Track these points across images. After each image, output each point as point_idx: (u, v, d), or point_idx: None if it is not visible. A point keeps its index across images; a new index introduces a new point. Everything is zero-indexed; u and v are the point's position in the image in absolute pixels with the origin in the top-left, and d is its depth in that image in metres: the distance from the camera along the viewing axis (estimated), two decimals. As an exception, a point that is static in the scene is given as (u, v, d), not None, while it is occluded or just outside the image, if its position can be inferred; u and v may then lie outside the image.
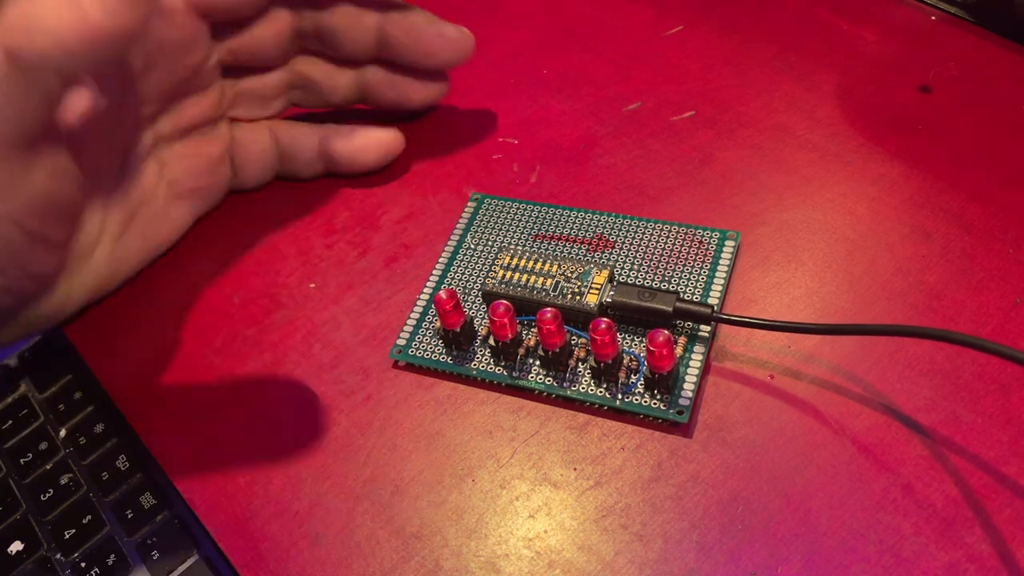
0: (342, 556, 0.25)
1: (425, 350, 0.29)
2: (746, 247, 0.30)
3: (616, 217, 0.31)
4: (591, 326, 0.25)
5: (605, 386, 0.27)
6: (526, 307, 0.28)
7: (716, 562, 0.23)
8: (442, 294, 0.27)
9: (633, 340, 0.28)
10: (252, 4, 0.30)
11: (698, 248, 0.30)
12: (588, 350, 0.27)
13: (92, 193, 0.29)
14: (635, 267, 0.30)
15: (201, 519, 0.27)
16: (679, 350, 0.27)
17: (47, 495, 0.29)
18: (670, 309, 0.27)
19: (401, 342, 0.29)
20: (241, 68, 0.33)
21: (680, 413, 0.26)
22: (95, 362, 0.31)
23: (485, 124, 0.36)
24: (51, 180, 0.25)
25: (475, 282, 0.30)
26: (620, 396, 0.26)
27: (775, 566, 0.23)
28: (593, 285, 0.28)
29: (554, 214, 0.32)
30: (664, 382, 0.26)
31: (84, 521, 0.28)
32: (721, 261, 0.29)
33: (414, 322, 0.30)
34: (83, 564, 0.27)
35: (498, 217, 0.32)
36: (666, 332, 0.25)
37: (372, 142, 0.34)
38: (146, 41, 0.28)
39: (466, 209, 0.33)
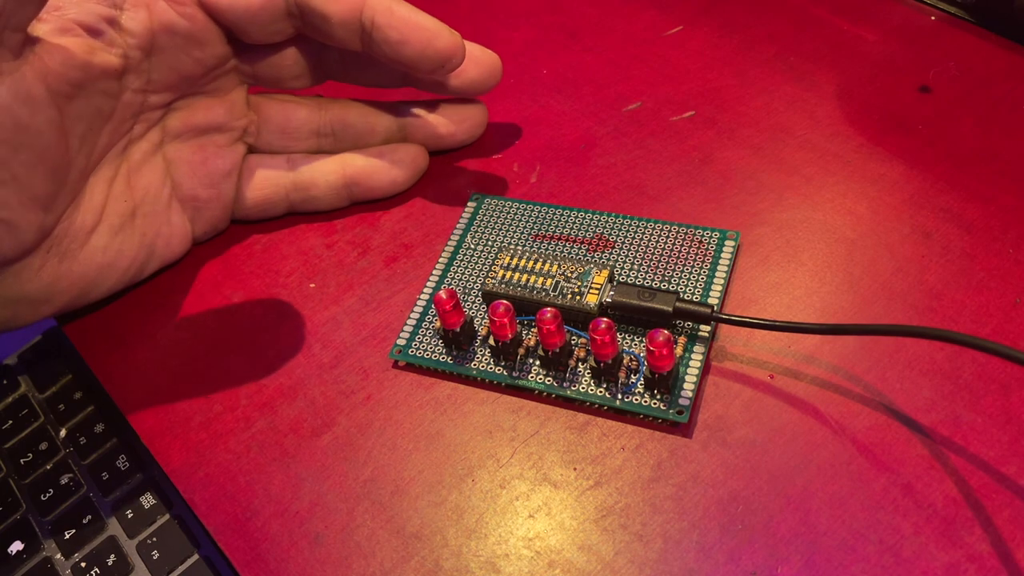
0: (342, 556, 0.25)
1: (425, 350, 0.29)
2: (746, 247, 0.30)
3: (616, 217, 0.31)
4: (591, 326, 0.25)
5: (605, 386, 0.27)
6: (526, 307, 0.28)
7: (716, 562, 0.23)
8: (442, 294, 0.27)
9: (633, 340, 0.28)
10: (259, 24, 0.30)
11: (698, 248, 0.30)
12: (588, 350, 0.27)
13: (89, 169, 0.29)
14: (635, 267, 0.30)
15: (201, 519, 0.27)
16: (679, 350, 0.27)
17: (47, 495, 0.29)
18: (670, 309, 0.27)
19: (401, 342, 0.29)
20: (266, 83, 0.32)
21: (680, 413, 0.26)
22: (95, 362, 0.31)
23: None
24: (16, 102, 0.25)
25: (475, 282, 0.30)
26: (620, 396, 0.26)
27: (775, 566, 0.23)
28: (593, 285, 0.28)
29: (554, 214, 0.32)
30: (664, 382, 0.26)
31: (84, 521, 0.28)
32: (721, 261, 0.29)
33: (414, 322, 0.30)
34: (83, 564, 0.27)
35: (498, 217, 0.32)
36: (666, 332, 0.25)
37: (401, 159, 0.33)
38: (151, 17, 0.28)
39: (466, 209, 0.33)
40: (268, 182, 0.33)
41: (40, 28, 0.27)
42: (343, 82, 0.33)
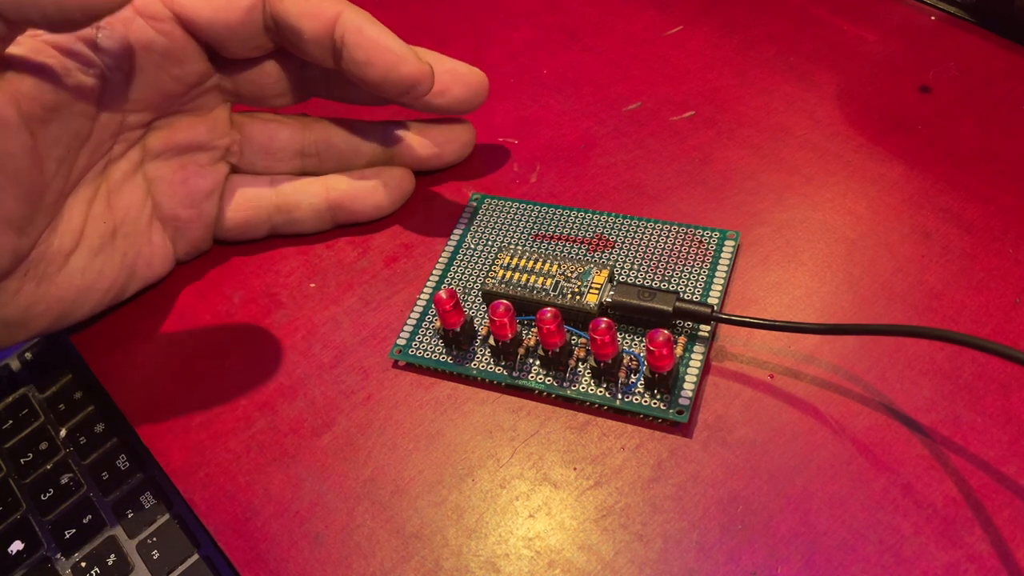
0: (342, 556, 0.25)
1: (425, 350, 0.29)
2: (746, 247, 0.30)
3: (616, 217, 0.31)
4: (591, 326, 0.25)
5: (605, 386, 0.27)
6: (526, 307, 0.28)
7: (716, 562, 0.23)
8: (442, 294, 0.27)
9: (633, 340, 0.28)
10: (239, 39, 0.29)
11: (698, 248, 0.30)
12: (588, 350, 0.27)
13: (67, 190, 0.28)
14: (635, 267, 0.30)
15: (201, 519, 0.27)
16: (679, 350, 0.27)
17: (47, 495, 0.29)
18: (670, 309, 0.27)
19: (401, 342, 0.29)
20: (248, 101, 0.32)
21: (680, 413, 0.26)
22: (95, 362, 0.31)
23: (485, 124, 0.36)
24: None
25: (475, 282, 0.30)
26: (620, 396, 0.26)
27: (775, 566, 0.23)
28: (593, 285, 0.28)
29: (554, 214, 0.32)
30: (664, 382, 0.26)
31: (84, 521, 0.28)
32: (721, 261, 0.29)
33: (414, 322, 0.30)
34: (83, 564, 0.27)
35: (498, 217, 0.32)
36: (666, 332, 0.25)
37: (386, 183, 0.33)
38: (128, 35, 0.28)
39: (466, 209, 0.33)
40: (250, 204, 0.32)
41: (14, 51, 0.26)
42: (327, 99, 0.33)
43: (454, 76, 0.31)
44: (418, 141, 0.33)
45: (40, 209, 0.27)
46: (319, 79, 0.32)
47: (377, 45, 0.28)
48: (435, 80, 0.30)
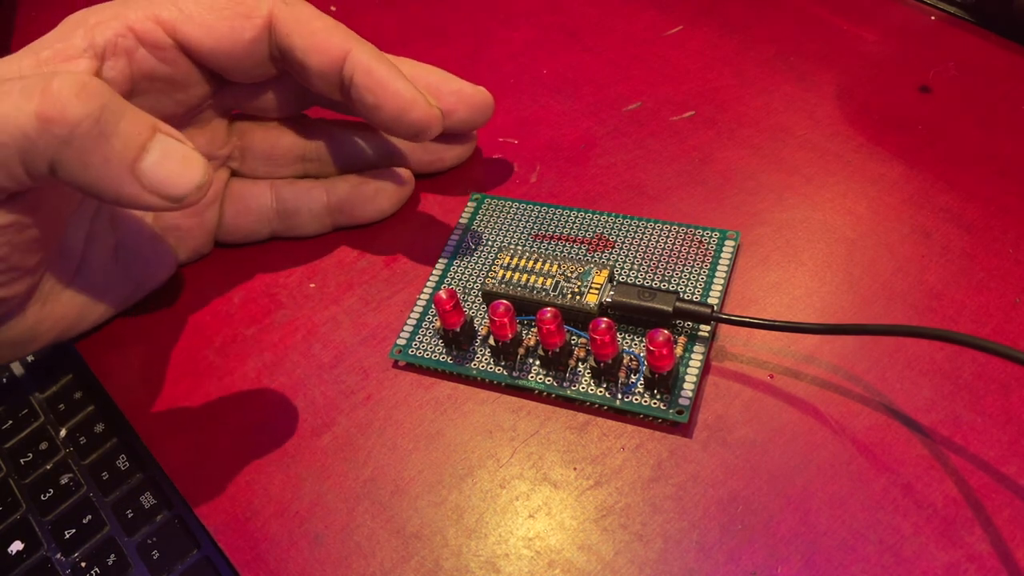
0: (342, 556, 0.25)
1: (425, 350, 0.29)
2: (746, 247, 0.30)
3: (616, 217, 0.31)
4: (591, 326, 0.25)
5: (605, 386, 0.27)
6: (526, 307, 0.28)
7: (716, 562, 0.23)
8: (442, 294, 0.27)
9: (633, 340, 0.28)
10: (243, 68, 0.29)
11: (698, 248, 0.30)
12: (588, 350, 0.27)
13: (71, 214, 0.28)
14: (635, 267, 0.30)
15: (201, 519, 0.27)
16: (679, 350, 0.27)
17: (47, 495, 0.29)
18: (670, 309, 0.27)
19: (401, 342, 0.29)
20: (249, 112, 0.32)
21: (680, 413, 0.26)
22: (95, 362, 0.31)
23: (485, 124, 0.36)
24: (18, 214, 0.24)
25: (475, 282, 0.30)
26: (620, 396, 0.26)
27: (775, 566, 0.23)
28: (593, 285, 0.28)
29: (554, 214, 0.32)
30: (664, 382, 0.26)
31: (84, 521, 0.28)
32: (721, 261, 0.29)
33: (414, 322, 0.30)
34: (83, 564, 0.27)
35: (498, 217, 0.32)
36: (666, 332, 0.25)
37: (386, 186, 0.33)
38: (132, 67, 0.28)
39: (466, 209, 0.33)
40: (251, 210, 0.32)
41: None
42: (329, 108, 0.33)
43: (459, 97, 0.31)
44: (419, 144, 0.33)
45: (50, 246, 0.27)
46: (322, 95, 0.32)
47: (386, 89, 0.28)
48: (441, 103, 0.30)
